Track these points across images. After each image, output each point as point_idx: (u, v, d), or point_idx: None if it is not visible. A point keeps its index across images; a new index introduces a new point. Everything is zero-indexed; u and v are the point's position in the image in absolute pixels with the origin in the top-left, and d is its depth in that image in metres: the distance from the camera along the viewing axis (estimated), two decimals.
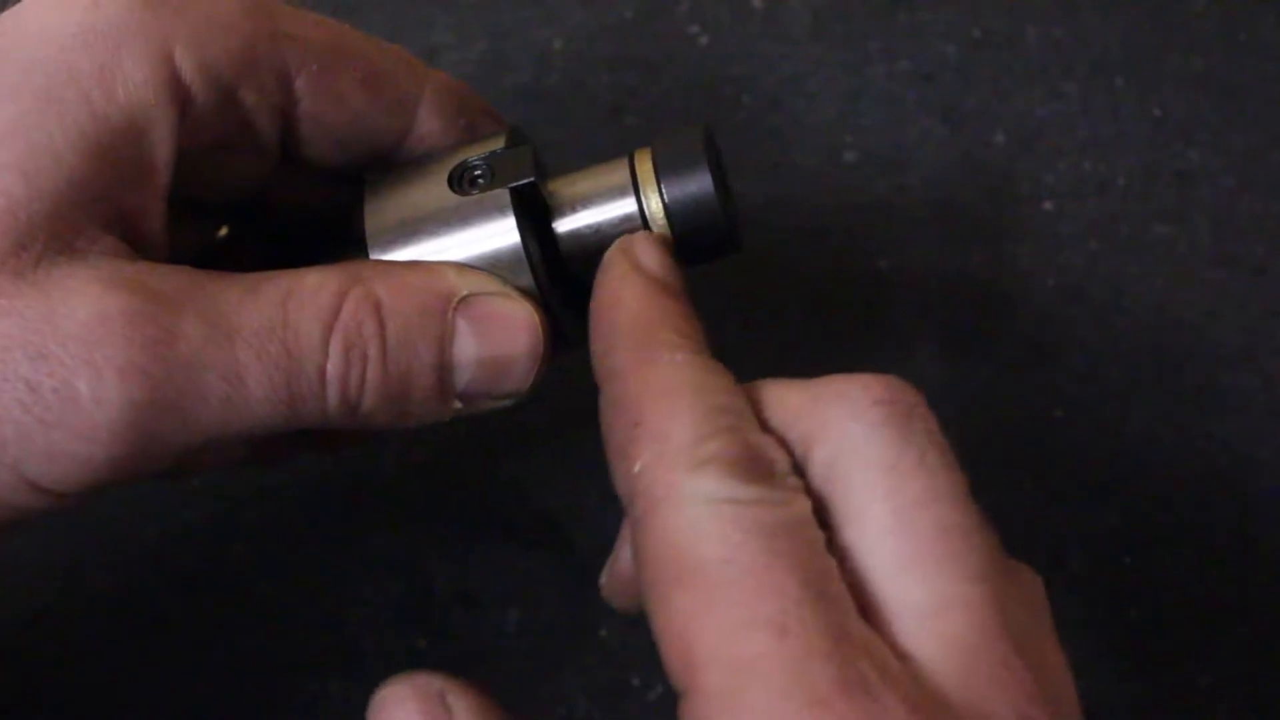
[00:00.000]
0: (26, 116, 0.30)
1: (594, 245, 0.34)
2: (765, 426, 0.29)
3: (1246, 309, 0.46)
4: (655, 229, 0.34)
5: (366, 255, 0.34)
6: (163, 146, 0.31)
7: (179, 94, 0.31)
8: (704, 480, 0.27)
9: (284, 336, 0.31)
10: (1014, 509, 0.43)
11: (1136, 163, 0.48)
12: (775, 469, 0.27)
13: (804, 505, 0.27)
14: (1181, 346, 0.46)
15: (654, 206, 0.34)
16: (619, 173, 0.34)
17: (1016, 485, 0.44)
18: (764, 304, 0.46)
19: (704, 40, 0.51)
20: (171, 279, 0.30)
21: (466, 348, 0.32)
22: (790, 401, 0.29)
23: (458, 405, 0.33)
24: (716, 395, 0.29)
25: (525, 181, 0.33)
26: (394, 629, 0.41)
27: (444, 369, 0.32)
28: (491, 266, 0.33)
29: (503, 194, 0.33)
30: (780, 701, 0.25)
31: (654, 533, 0.27)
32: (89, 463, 0.29)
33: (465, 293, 0.32)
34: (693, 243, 0.34)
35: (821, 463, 0.28)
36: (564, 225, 0.34)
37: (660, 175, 0.34)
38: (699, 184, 0.33)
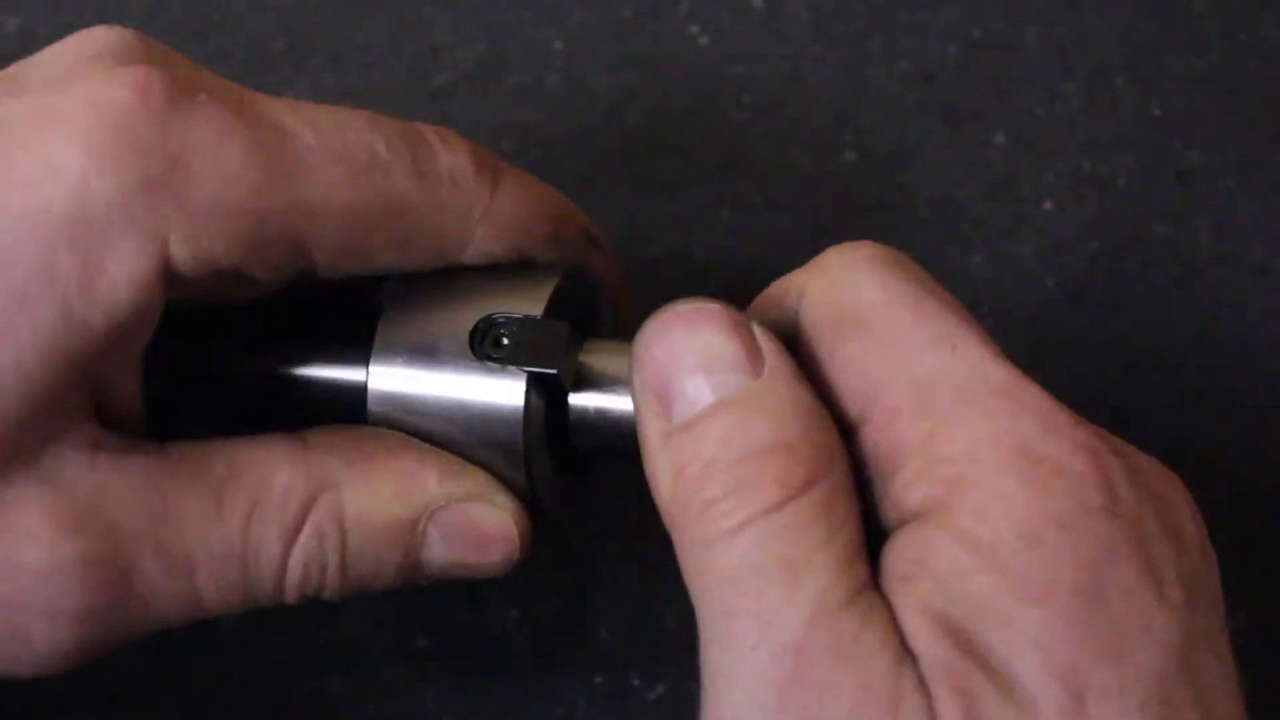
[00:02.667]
0: None
1: (603, 425, 0.32)
2: None
3: (1246, 309, 0.46)
4: None
5: (367, 372, 0.32)
6: (144, 331, 0.29)
7: (169, 283, 0.29)
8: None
9: (244, 558, 0.30)
10: None
11: (1136, 163, 0.48)
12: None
13: None
14: (1181, 346, 0.46)
15: None
16: None
17: None
18: None
19: (704, 40, 0.51)
20: (130, 496, 0.29)
21: (436, 553, 0.31)
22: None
23: (424, 583, 0.32)
24: None
25: (547, 371, 0.31)
26: (394, 628, 0.41)
27: (409, 570, 0.32)
28: (485, 446, 0.31)
29: (518, 381, 0.31)
30: (968, 392, 0.27)
31: (816, 291, 0.29)
32: (33, 672, 0.30)
33: (443, 503, 0.31)
34: None
35: None
36: (578, 400, 0.32)
37: None
38: None
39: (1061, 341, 0.45)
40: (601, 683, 0.40)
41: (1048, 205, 0.47)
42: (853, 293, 0.28)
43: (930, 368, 0.27)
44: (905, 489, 0.27)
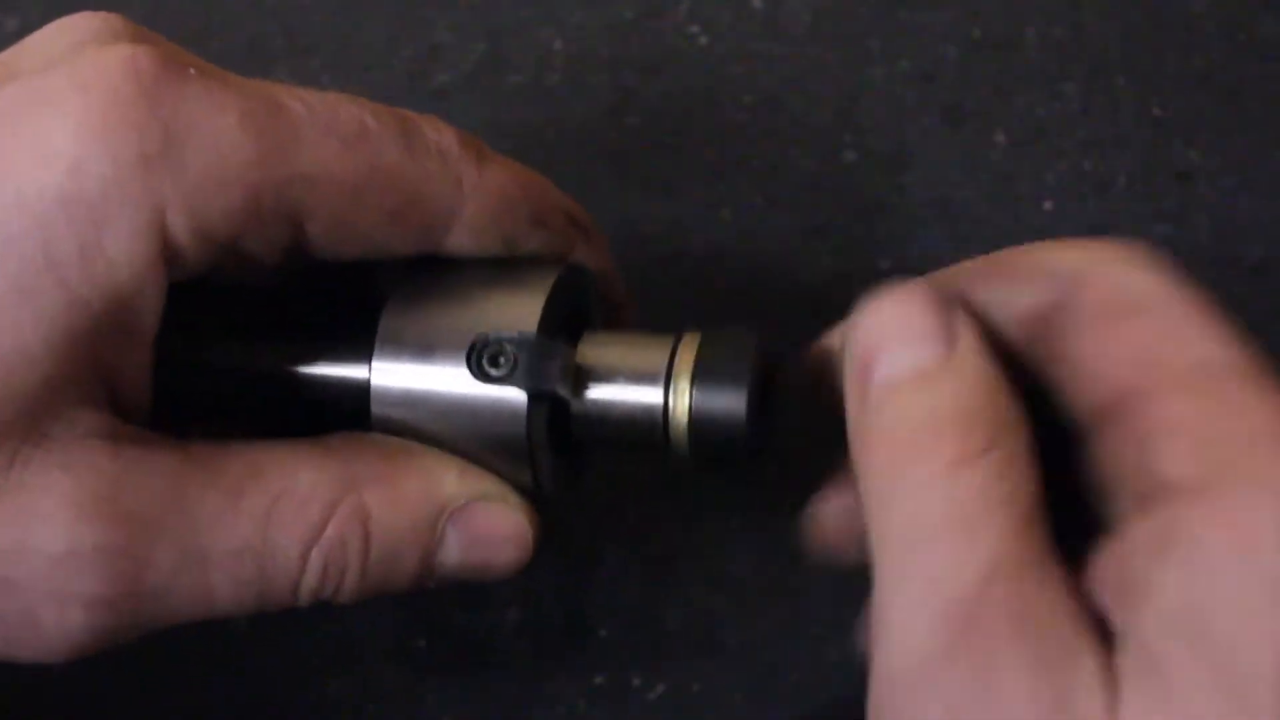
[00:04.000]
0: None
1: (604, 419, 0.32)
2: None
3: (1246, 309, 0.46)
4: (674, 428, 0.32)
5: (370, 369, 0.32)
6: (148, 312, 0.29)
7: (169, 259, 0.29)
8: None
9: (260, 558, 0.30)
10: None
11: (1136, 163, 0.48)
12: None
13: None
14: None
15: (679, 410, 0.32)
16: (656, 357, 0.32)
17: None
18: (764, 304, 0.46)
19: (704, 40, 0.51)
20: (149, 487, 0.29)
21: (451, 555, 0.32)
22: None
23: (432, 585, 0.32)
24: None
25: (546, 390, 0.31)
26: (394, 629, 0.41)
27: (424, 574, 0.32)
28: (492, 453, 0.31)
29: (518, 403, 0.31)
30: (1250, 380, 0.27)
31: (1098, 274, 0.29)
32: (38, 656, 0.29)
33: (462, 501, 0.31)
34: (707, 452, 0.32)
35: None
36: (580, 397, 0.32)
37: (696, 381, 0.31)
38: (734, 406, 0.31)
39: None
40: (601, 683, 0.40)
41: (1048, 205, 0.47)
42: (1137, 279, 0.29)
43: (1211, 355, 0.28)
44: (1168, 463, 0.26)
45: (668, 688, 0.40)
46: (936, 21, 0.51)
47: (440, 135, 0.31)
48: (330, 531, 0.30)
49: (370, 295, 0.33)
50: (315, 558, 0.30)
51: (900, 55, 0.50)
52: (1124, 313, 0.29)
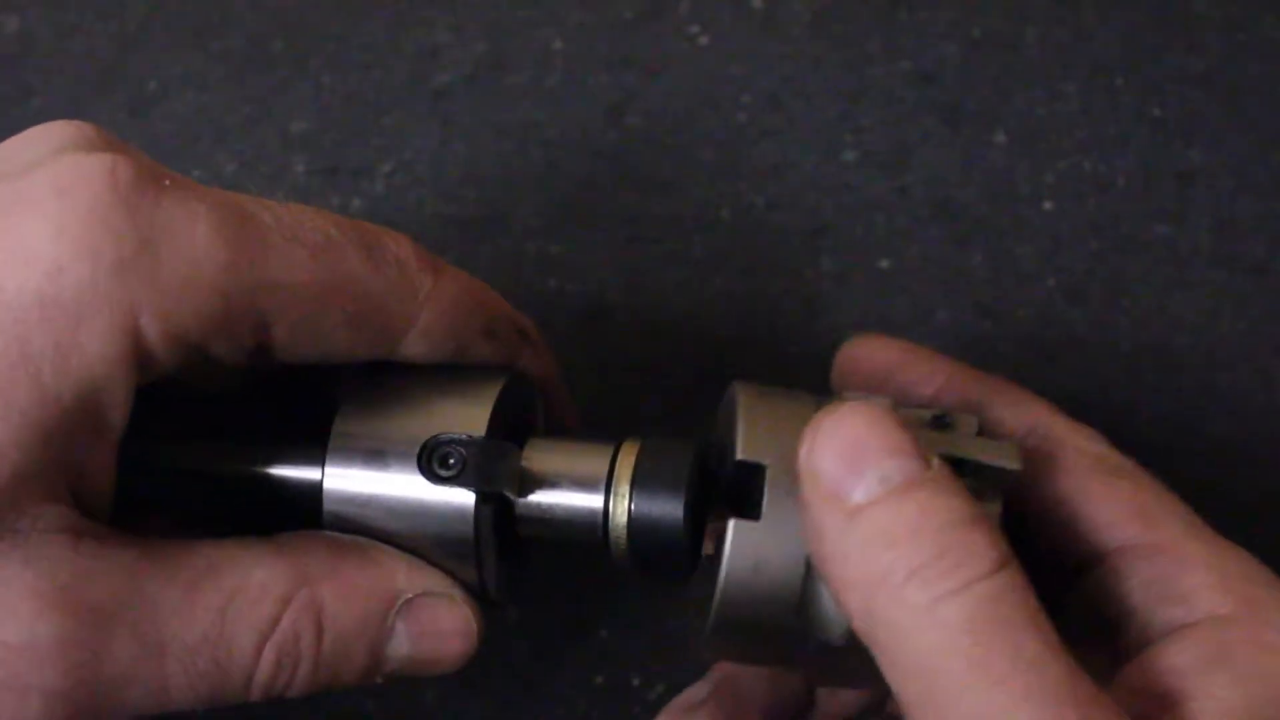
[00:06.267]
0: None
1: (547, 521, 0.33)
2: None
3: (1246, 309, 0.46)
4: (613, 532, 0.33)
5: (323, 473, 0.33)
6: (117, 411, 0.30)
7: (140, 359, 0.29)
8: None
9: (216, 651, 0.30)
10: None
11: (1136, 163, 0.48)
12: None
13: None
14: (1181, 346, 0.46)
15: (618, 514, 0.33)
16: (597, 464, 0.33)
17: None
18: (764, 304, 0.46)
19: (704, 40, 0.51)
20: (109, 581, 0.29)
21: (400, 648, 0.32)
22: None
23: (379, 680, 0.33)
24: None
25: (494, 489, 0.32)
26: None
27: (374, 666, 0.32)
28: (440, 551, 0.33)
29: (466, 503, 0.32)
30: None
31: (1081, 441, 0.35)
32: None
33: (410, 595, 0.32)
34: (645, 555, 0.33)
35: None
36: (525, 499, 0.33)
37: (635, 488, 0.33)
38: (670, 512, 0.32)
39: (1061, 341, 0.45)
40: (601, 683, 0.40)
41: (1048, 205, 0.47)
42: (1109, 449, 0.35)
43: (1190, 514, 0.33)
44: (1192, 593, 0.31)
45: (668, 688, 0.40)
46: (936, 21, 0.51)
47: (399, 247, 0.32)
48: (284, 625, 0.31)
49: (325, 398, 0.34)
50: (269, 651, 0.31)
51: (900, 55, 0.50)
52: (1114, 474, 0.33)
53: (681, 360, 0.45)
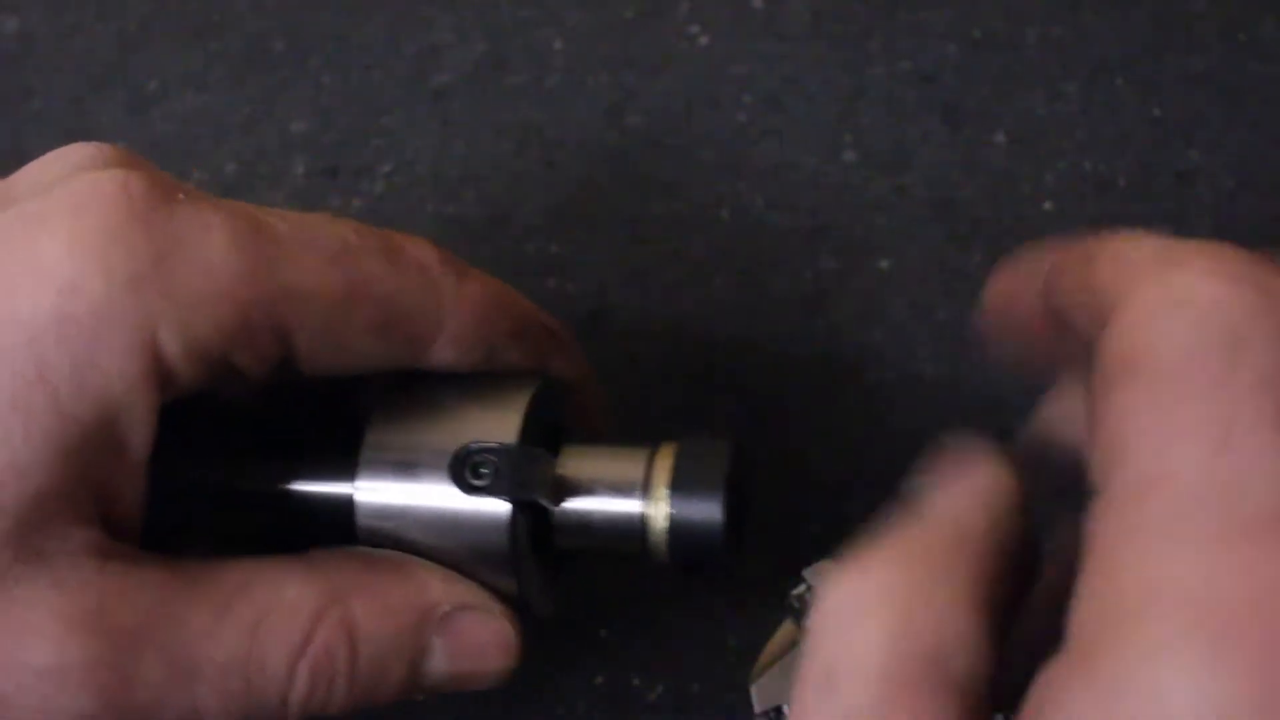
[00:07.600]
0: None
1: (584, 528, 0.33)
2: None
3: None
4: (652, 536, 0.33)
5: (354, 485, 0.32)
6: (140, 429, 0.29)
7: (160, 376, 0.29)
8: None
9: (248, 671, 0.30)
10: None
11: (1136, 163, 0.48)
12: None
13: None
14: None
15: (657, 519, 0.32)
16: (633, 468, 0.33)
17: None
18: (764, 304, 0.46)
19: (704, 40, 0.51)
20: (138, 602, 0.29)
21: (438, 665, 0.32)
22: None
23: (418, 697, 0.33)
24: None
25: (529, 498, 0.32)
26: None
27: (412, 683, 0.32)
28: (476, 563, 0.32)
29: (501, 513, 0.32)
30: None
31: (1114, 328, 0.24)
32: None
33: (447, 608, 0.32)
34: (685, 558, 0.33)
35: None
36: (560, 507, 0.33)
37: (673, 491, 0.32)
38: (710, 514, 0.32)
39: None
40: (601, 683, 0.40)
41: (1048, 205, 0.47)
42: (1167, 327, 0.24)
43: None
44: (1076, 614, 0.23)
45: (668, 688, 0.40)
46: (936, 21, 0.51)
47: (421, 251, 0.32)
48: (317, 643, 0.30)
49: (354, 411, 0.34)
50: (303, 669, 0.30)
51: (900, 55, 0.50)
52: (1126, 377, 0.24)
53: (682, 360, 0.45)
